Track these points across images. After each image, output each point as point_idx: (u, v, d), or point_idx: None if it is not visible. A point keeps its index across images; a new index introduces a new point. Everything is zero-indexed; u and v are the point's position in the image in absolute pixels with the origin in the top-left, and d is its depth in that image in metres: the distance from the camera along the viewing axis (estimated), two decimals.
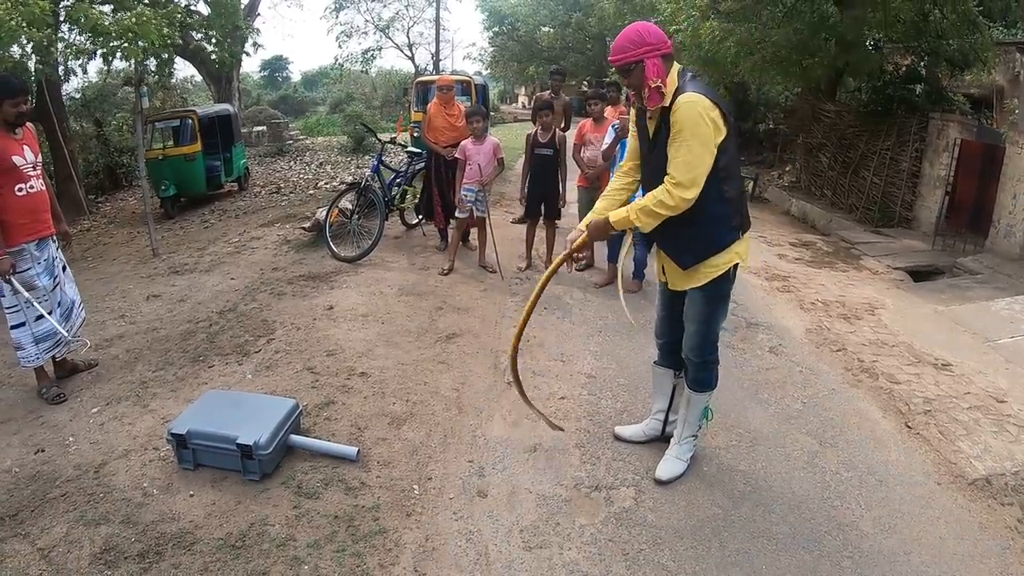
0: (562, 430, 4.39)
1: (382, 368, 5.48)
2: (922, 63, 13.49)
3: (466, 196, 7.86)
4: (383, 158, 9.22)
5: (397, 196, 9.32)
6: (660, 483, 3.99)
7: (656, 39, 3.45)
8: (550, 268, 3.78)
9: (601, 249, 7.75)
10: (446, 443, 4.47)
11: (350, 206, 8.95)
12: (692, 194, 3.38)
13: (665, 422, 4.35)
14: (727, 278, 3.74)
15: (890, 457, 4.39)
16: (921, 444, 4.59)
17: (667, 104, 3.43)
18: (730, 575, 3.36)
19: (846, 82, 15.24)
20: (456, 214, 8.19)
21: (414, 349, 5.86)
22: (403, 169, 9.04)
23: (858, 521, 3.75)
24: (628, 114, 5.01)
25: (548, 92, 10.91)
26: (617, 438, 4.46)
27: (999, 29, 13.22)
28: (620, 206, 3.82)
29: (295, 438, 4.31)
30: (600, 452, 4.33)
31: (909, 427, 4.77)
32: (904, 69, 13.61)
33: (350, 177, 16.56)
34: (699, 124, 3.33)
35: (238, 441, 3.96)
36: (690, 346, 3.91)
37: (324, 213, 9.11)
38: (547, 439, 4.42)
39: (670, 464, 4.08)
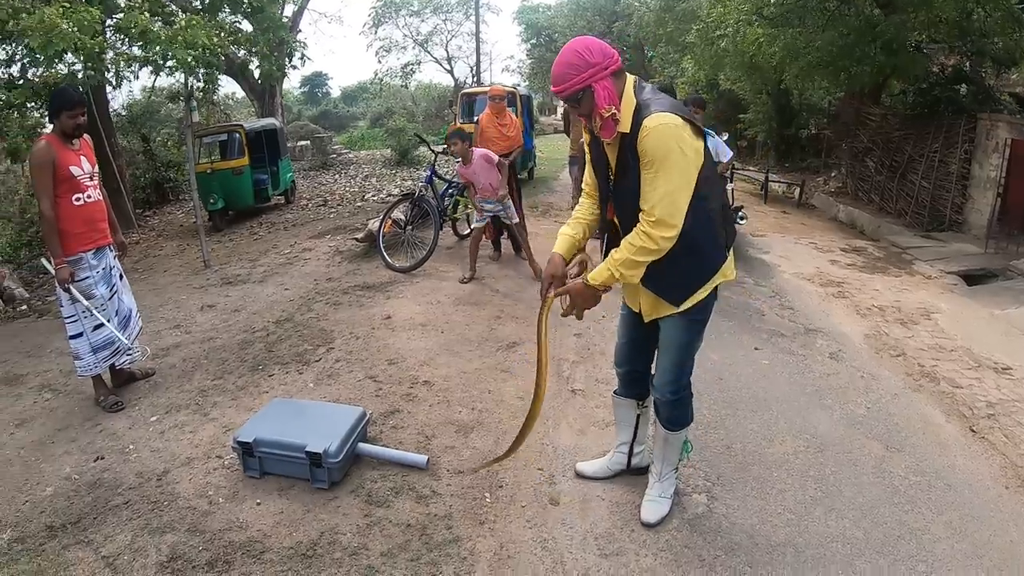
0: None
1: (445, 376, 5.43)
2: (967, 63, 13.22)
3: (484, 208, 7.89)
4: (435, 168, 9.16)
5: (450, 206, 9.30)
6: (648, 526, 3.67)
7: (601, 56, 2.98)
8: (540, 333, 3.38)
9: None
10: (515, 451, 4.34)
11: (403, 216, 8.96)
12: (674, 232, 2.97)
13: (630, 455, 4.02)
14: (712, 298, 3.35)
15: (956, 462, 4.31)
16: (987, 448, 4.50)
17: (627, 131, 3.02)
18: None
19: (891, 85, 15.02)
20: (472, 224, 8.23)
21: (475, 358, 5.80)
22: (455, 179, 8.93)
23: (930, 526, 3.66)
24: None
25: None
26: (579, 475, 4.10)
27: None
28: (588, 231, 3.53)
29: (363, 446, 4.26)
30: (684, 459, 4.12)
31: (973, 431, 4.70)
32: (949, 70, 13.39)
33: (397, 189, 16.67)
34: (672, 151, 2.89)
35: (307, 449, 3.91)
36: (664, 381, 3.49)
37: (377, 224, 9.12)
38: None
39: (655, 505, 3.72)
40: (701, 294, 3.26)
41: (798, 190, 14.86)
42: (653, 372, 3.61)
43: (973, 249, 9.88)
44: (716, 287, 3.32)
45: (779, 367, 5.62)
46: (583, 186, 3.60)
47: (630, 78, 3.09)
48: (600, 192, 3.47)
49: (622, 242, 3.11)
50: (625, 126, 3.01)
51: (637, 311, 3.51)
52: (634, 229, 3.05)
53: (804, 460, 4.27)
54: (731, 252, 3.38)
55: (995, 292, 8.01)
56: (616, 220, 3.38)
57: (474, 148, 7.83)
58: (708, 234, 3.19)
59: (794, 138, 19.12)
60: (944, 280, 8.39)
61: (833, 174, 16.39)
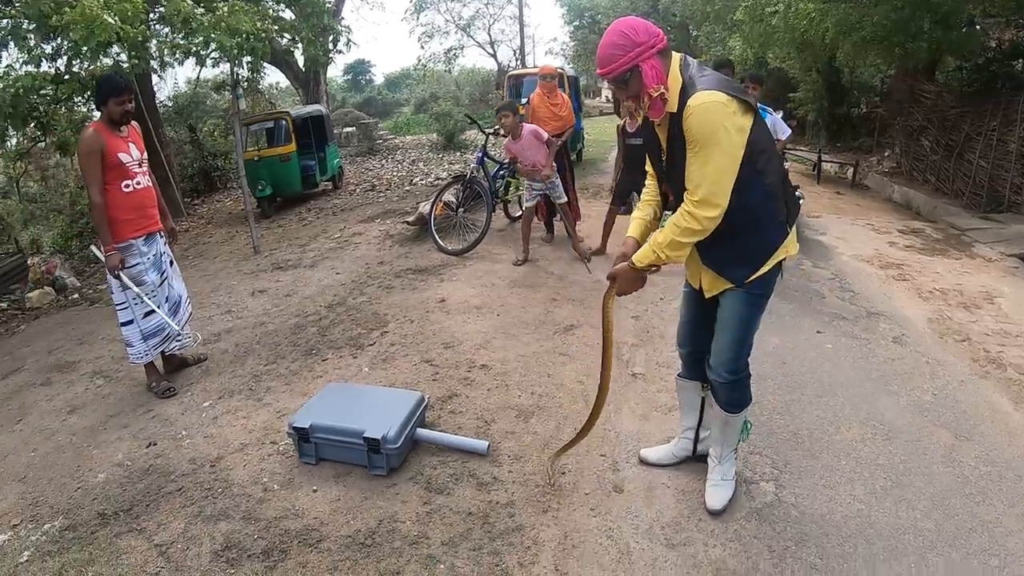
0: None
1: (503, 360, 5.33)
2: None
3: (532, 187, 7.81)
4: (487, 150, 9.04)
5: (501, 188, 9.18)
6: (715, 514, 3.56)
7: (646, 35, 2.91)
8: (605, 319, 3.44)
9: None
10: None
11: (454, 199, 8.87)
12: (717, 212, 2.89)
13: (696, 440, 3.90)
14: (775, 274, 3.23)
15: None
16: None
17: (674, 110, 2.94)
18: (878, 573, 3.14)
19: (945, 61, 14.68)
20: (525, 204, 8.10)
21: (533, 341, 5.69)
22: (507, 161, 8.76)
23: (1001, 518, 3.50)
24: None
25: None
26: (643, 462, 3.99)
27: None
28: (659, 211, 3.45)
29: (422, 432, 4.17)
30: (743, 442, 4.00)
31: None
32: (1007, 44, 12.96)
33: (445, 173, 16.64)
34: (716, 131, 2.81)
35: (365, 435, 3.83)
36: (722, 360, 3.38)
37: (428, 206, 9.06)
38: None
39: (719, 490, 3.61)
40: (763, 270, 3.15)
41: (851, 170, 14.56)
42: (710, 353, 3.49)
43: None
44: (780, 263, 3.21)
45: (842, 351, 5.47)
46: (647, 168, 3.52)
47: (676, 56, 3.00)
48: (656, 173, 3.41)
49: (667, 223, 3.05)
50: (672, 105, 2.94)
51: (698, 288, 3.42)
52: (678, 211, 2.99)
53: (872, 448, 4.12)
54: (793, 228, 3.26)
55: None
56: (672, 200, 3.28)
57: (524, 124, 7.70)
58: (768, 209, 3.10)
59: (845, 117, 18.72)
60: (1005, 263, 8.12)
61: (886, 154, 16.04)
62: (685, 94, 2.87)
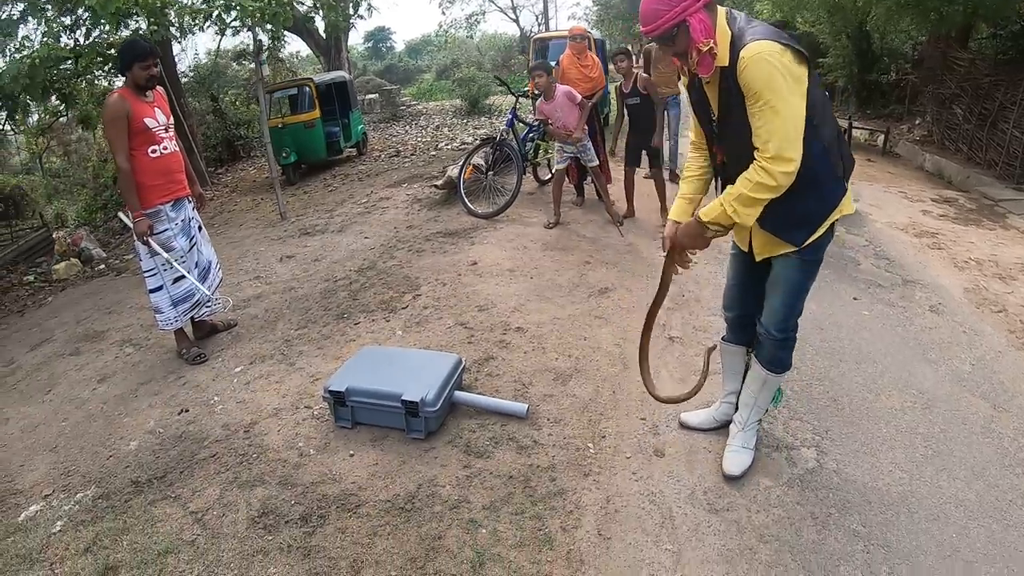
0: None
1: (538, 323, 5.26)
2: None
3: (563, 150, 7.70)
4: (516, 112, 8.89)
5: (531, 151, 9.00)
6: (732, 479, 3.51)
7: None
8: (661, 284, 3.45)
9: None
10: (616, 400, 4.24)
11: (484, 162, 8.78)
12: (793, 166, 2.72)
13: (738, 405, 3.77)
14: (829, 236, 3.12)
15: None
16: None
17: (725, 64, 2.79)
18: (920, 543, 3.11)
19: (979, 27, 14.32)
20: (555, 166, 8.02)
21: (568, 304, 5.63)
22: (536, 124, 8.61)
23: None
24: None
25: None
26: (683, 426, 3.96)
27: None
28: (704, 187, 3.36)
29: (460, 395, 4.12)
30: (775, 411, 4.02)
31: None
32: None
33: (470, 138, 16.50)
34: (775, 80, 2.65)
35: (403, 398, 3.78)
36: (774, 320, 3.31)
37: (457, 170, 8.96)
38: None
39: (739, 456, 3.57)
40: (819, 231, 3.04)
41: (882, 138, 14.28)
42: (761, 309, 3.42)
43: None
44: (833, 224, 3.10)
45: (880, 319, 5.41)
46: (693, 136, 3.39)
47: (721, 9, 2.86)
48: (706, 136, 3.27)
49: (739, 178, 2.85)
50: (723, 59, 2.80)
51: (747, 250, 3.32)
52: (751, 166, 2.80)
53: (912, 416, 4.07)
54: (849, 185, 3.15)
55: None
56: (726, 163, 3.16)
57: (557, 85, 7.55)
58: (825, 165, 2.95)
59: (875, 84, 18.33)
60: None
61: (918, 122, 15.73)
62: (736, 47, 2.74)
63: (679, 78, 4.25)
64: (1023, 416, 4.07)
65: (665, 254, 3.31)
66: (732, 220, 2.89)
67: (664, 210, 7.90)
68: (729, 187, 2.90)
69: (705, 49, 2.75)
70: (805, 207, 2.97)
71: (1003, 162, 10.95)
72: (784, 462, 3.63)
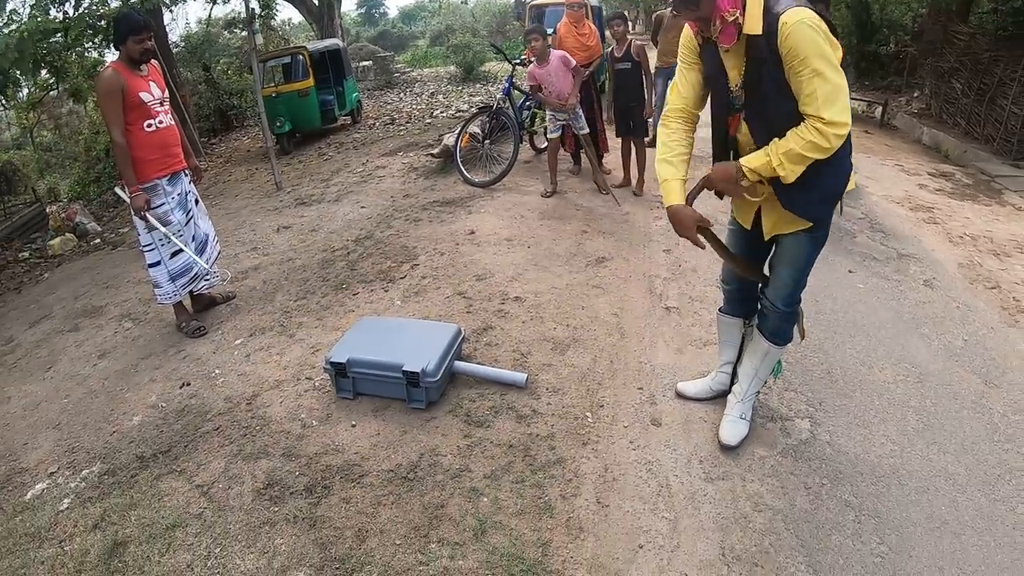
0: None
1: (536, 292, 5.28)
2: None
3: (555, 117, 7.61)
4: (513, 80, 8.84)
5: (527, 119, 9.03)
6: (728, 448, 3.55)
7: None
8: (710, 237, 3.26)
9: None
10: (613, 369, 4.28)
11: (480, 130, 8.74)
12: (846, 130, 2.67)
13: (734, 375, 3.82)
14: (836, 211, 3.13)
15: None
16: None
17: (758, 32, 2.69)
18: (910, 514, 3.19)
19: (980, 1, 14.27)
20: (547, 135, 7.96)
21: (565, 273, 5.65)
22: (529, 87, 8.57)
23: None
24: None
25: (670, 9, 10.02)
26: (680, 396, 3.99)
27: None
28: (688, 166, 3.21)
29: (460, 364, 4.16)
30: (772, 382, 4.05)
31: None
32: None
33: (466, 105, 16.42)
34: (822, 45, 2.60)
35: (404, 368, 3.81)
36: (781, 295, 3.32)
37: (453, 138, 8.90)
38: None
39: (736, 426, 3.61)
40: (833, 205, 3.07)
41: (880, 110, 14.18)
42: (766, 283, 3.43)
43: None
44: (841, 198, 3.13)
45: (874, 292, 5.45)
46: (672, 111, 3.23)
47: None
48: (717, 108, 3.16)
49: (789, 133, 2.77)
50: (755, 26, 2.69)
51: (749, 228, 3.32)
52: (803, 126, 2.72)
53: (904, 390, 4.14)
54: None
55: None
56: (746, 136, 3.08)
57: (552, 50, 7.47)
58: (847, 141, 2.90)
59: (874, 55, 18.17)
60: None
61: (916, 95, 15.61)
62: (771, 13, 2.64)
63: None
64: (1013, 392, 4.13)
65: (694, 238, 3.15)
66: (775, 173, 2.82)
67: (641, 181, 7.91)
68: (776, 140, 2.81)
69: (731, 19, 2.69)
70: (827, 182, 2.96)
71: (1000, 138, 10.91)
72: (779, 432, 3.68)
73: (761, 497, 3.23)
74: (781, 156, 2.76)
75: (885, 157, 10.42)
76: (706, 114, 3.21)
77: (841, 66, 2.67)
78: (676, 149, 3.16)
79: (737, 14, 2.68)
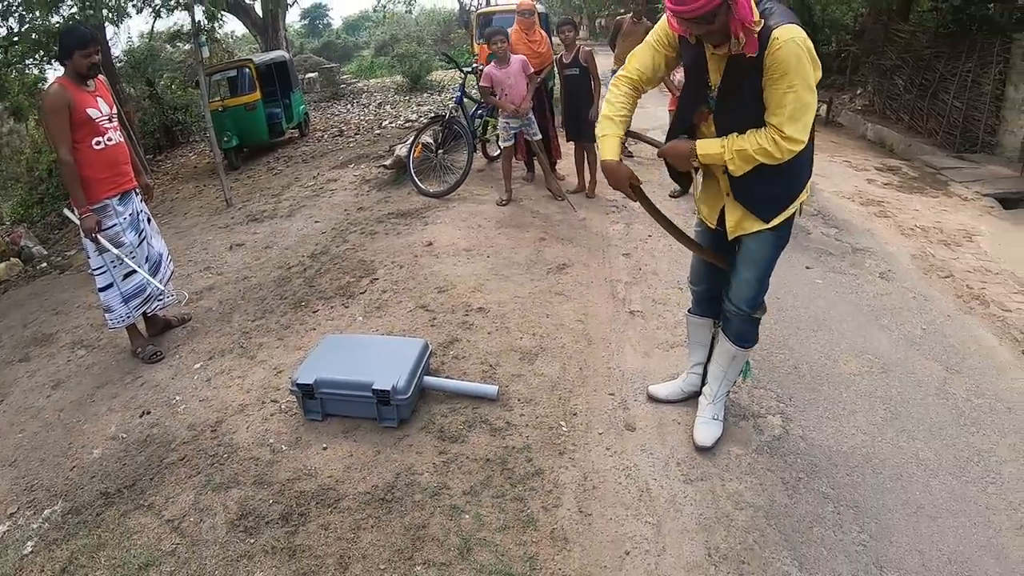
0: None
1: (499, 302, 5.27)
2: None
3: (508, 124, 7.61)
4: (464, 89, 8.84)
5: (479, 127, 9.01)
6: (703, 450, 3.59)
7: None
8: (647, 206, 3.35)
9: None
10: (583, 376, 4.29)
11: (433, 140, 8.72)
12: (799, 147, 2.79)
13: (704, 376, 3.88)
14: (796, 213, 3.20)
15: (1013, 384, 4.23)
16: None
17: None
18: (886, 501, 3.27)
19: (919, 0, 14.51)
20: (500, 143, 7.96)
21: (527, 282, 5.64)
22: (483, 88, 8.55)
23: (995, 448, 3.64)
24: None
25: (630, 15, 10.03)
26: (652, 399, 4.03)
27: None
28: (625, 128, 3.28)
29: (429, 379, 4.12)
30: (739, 382, 4.04)
31: None
32: None
33: (415, 115, 16.37)
34: (804, 64, 2.67)
35: (374, 387, 3.76)
36: (744, 296, 3.36)
37: (406, 149, 8.86)
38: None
39: (709, 428, 3.66)
40: (791, 210, 3.14)
41: (825, 107, 14.41)
42: (728, 285, 3.47)
43: (1007, 172, 9.49)
44: (802, 202, 3.19)
45: (833, 286, 5.56)
46: (626, 77, 3.26)
47: None
48: (689, 96, 3.23)
49: (747, 132, 2.89)
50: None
51: (714, 228, 3.39)
52: (763, 131, 2.84)
53: (870, 381, 4.24)
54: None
55: None
56: (709, 131, 3.17)
57: (511, 54, 7.46)
58: (809, 150, 3.04)
59: (817, 55, 18.52)
60: (981, 202, 8.14)
61: (859, 92, 15.94)
62: (765, 26, 2.69)
63: None
64: (974, 377, 4.25)
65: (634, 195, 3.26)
66: (724, 165, 2.97)
67: (594, 183, 7.94)
68: (734, 136, 2.92)
69: (756, 30, 2.68)
70: (784, 186, 3.07)
71: (943, 131, 11.17)
72: (752, 430, 3.73)
73: (741, 495, 3.28)
74: (734, 151, 2.90)
75: (832, 154, 10.61)
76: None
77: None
78: (620, 110, 3.23)
79: (761, 22, 2.69)
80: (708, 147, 2.99)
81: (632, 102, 3.26)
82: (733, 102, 2.95)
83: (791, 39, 2.64)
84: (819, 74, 2.73)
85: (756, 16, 2.67)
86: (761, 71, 2.75)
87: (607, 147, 3.18)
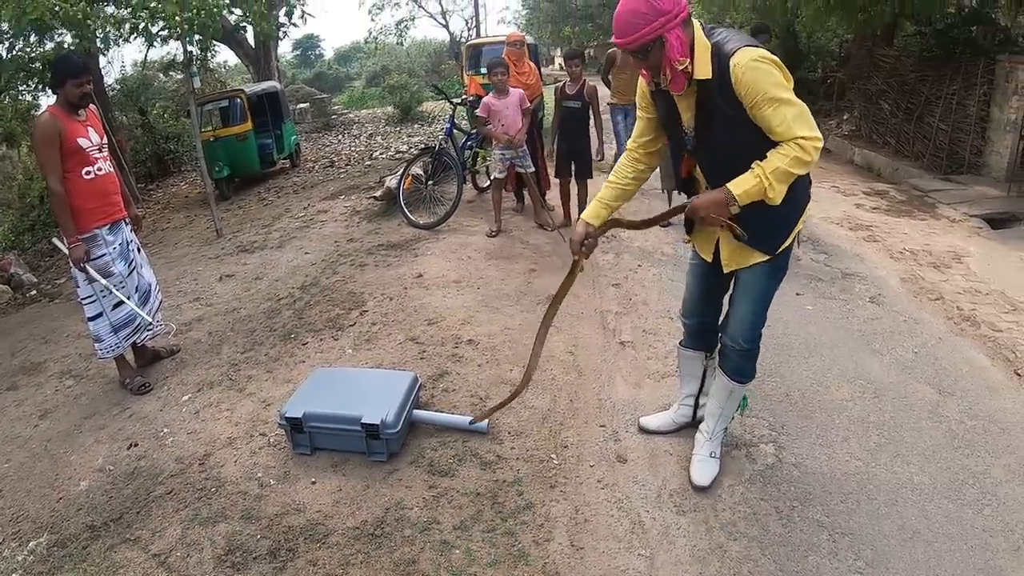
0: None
1: (489, 334, 5.25)
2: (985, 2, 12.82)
3: (503, 155, 7.66)
4: (455, 121, 8.89)
5: (469, 159, 9.04)
6: (701, 490, 3.54)
7: (672, 3, 2.68)
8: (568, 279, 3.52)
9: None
10: (574, 408, 4.28)
11: (423, 172, 8.71)
12: (821, 143, 2.72)
13: (696, 407, 3.90)
14: (794, 243, 3.17)
15: (1006, 405, 4.25)
16: None
17: (709, 76, 2.76)
18: (882, 527, 3.26)
19: (904, 26, 14.71)
20: (494, 174, 8.01)
21: (517, 313, 5.64)
22: (474, 132, 8.59)
23: (990, 469, 3.65)
24: None
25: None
26: (643, 430, 4.00)
27: None
28: (626, 197, 3.37)
29: (419, 413, 4.10)
30: (736, 415, 4.00)
31: (1019, 375, 4.62)
32: (967, 10, 13.03)
33: (405, 146, 16.42)
34: (773, 74, 2.66)
35: (363, 420, 3.73)
36: (741, 331, 3.30)
37: (396, 181, 8.88)
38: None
39: (707, 466, 3.60)
40: (789, 239, 3.10)
41: None
42: (726, 320, 3.45)
43: (994, 192, 9.64)
44: (799, 232, 3.17)
45: (823, 312, 5.58)
46: (630, 145, 3.38)
47: (695, 24, 2.82)
48: (672, 150, 3.26)
49: (771, 153, 2.77)
50: (705, 71, 2.78)
51: (710, 261, 3.35)
52: (781, 146, 2.75)
53: (863, 406, 4.25)
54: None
55: (1022, 235, 7.85)
56: (701, 176, 3.17)
57: (510, 89, 7.54)
58: (804, 176, 2.96)
59: (803, 81, 18.66)
60: (969, 223, 8.22)
61: (845, 117, 16.10)
62: (720, 57, 2.73)
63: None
64: (967, 399, 4.27)
65: (575, 256, 3.34)
66: (765, 195, 2.80)
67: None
68: (757, 162, 2.79)
69: (681, 68, 2.73)
70: (783, 215, 2.99)
71: (930, 154, 11.25)
72: (744, 459, 3.73)
73: (735, 525, 3.26)
74: (768, 175, 2.75)
75: (820, 179, 10.66)
76: None
77: None
78: (621, 179, 3.35)
79: (687, 63, 2.73)
80: (742, 184, 2.82)
81: (634, 171, 3.34)
82: (708, 138, 2.95)
83: (748, 61, 2.66)
84: (790, 84, 2.72)
85: (689, 58, 2.74)
86: (733, 100, 2.75)
87: (589, 208, 3.33)
